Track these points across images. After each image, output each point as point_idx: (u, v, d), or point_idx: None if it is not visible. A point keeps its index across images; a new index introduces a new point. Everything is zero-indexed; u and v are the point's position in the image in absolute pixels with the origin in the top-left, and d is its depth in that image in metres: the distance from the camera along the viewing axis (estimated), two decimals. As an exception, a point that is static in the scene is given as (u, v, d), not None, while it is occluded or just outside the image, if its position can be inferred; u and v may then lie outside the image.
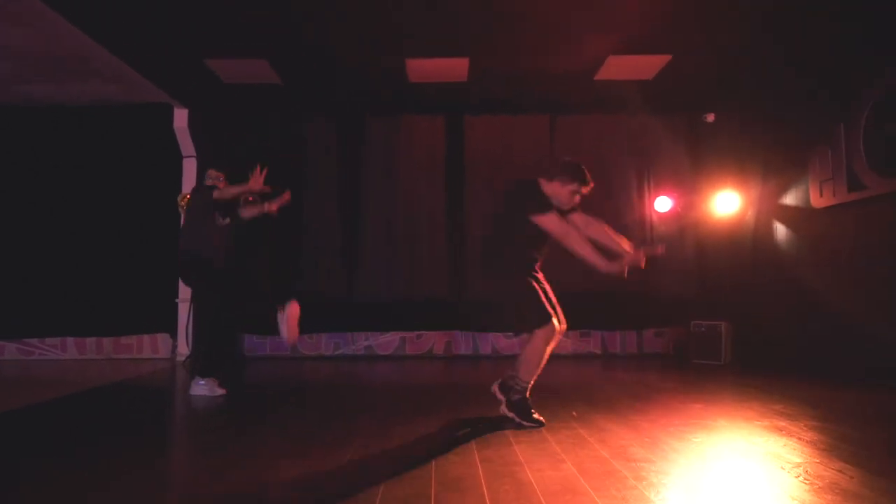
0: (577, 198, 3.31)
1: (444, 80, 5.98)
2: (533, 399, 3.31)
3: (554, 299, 3.35)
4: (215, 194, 4.31)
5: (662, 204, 6.92)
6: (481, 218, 6.63)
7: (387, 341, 7.07)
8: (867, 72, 4.54)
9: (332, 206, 7.03)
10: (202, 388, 4.30)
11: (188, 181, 6.93)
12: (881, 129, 4.37)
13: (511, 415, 3.23)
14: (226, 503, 2.14)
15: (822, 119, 4.99)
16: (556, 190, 3.27)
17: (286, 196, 4.54)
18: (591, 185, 3.31)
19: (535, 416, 3.22)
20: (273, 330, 6.86)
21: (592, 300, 6.68)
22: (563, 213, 3.29)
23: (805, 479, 2.25)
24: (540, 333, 3.16)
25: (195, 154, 6.91)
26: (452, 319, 6.99)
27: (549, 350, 3.24)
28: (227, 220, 4.50)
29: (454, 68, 5.69)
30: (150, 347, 6.96)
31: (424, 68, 5.64)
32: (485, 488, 2.18)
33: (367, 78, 5.99)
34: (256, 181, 4.19)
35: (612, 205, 6.88)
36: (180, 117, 6.74)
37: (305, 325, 6.87)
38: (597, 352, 7.04)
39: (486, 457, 2.61)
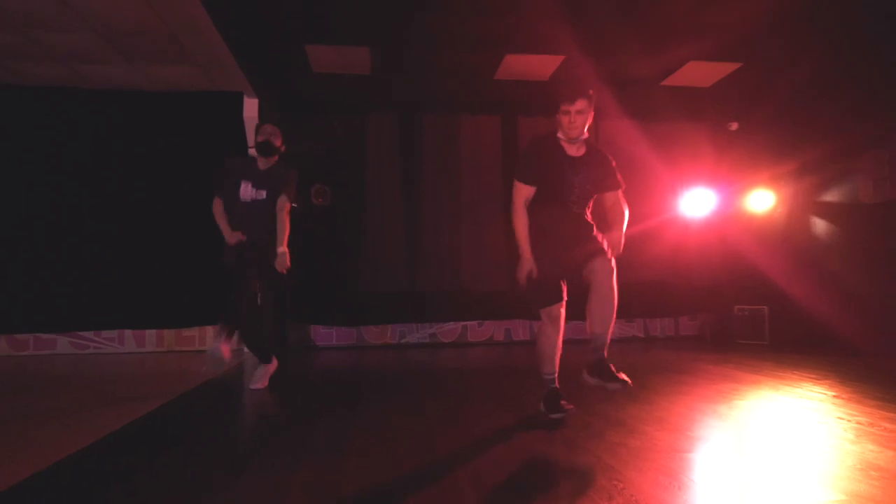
0: (576, 118, 3.01)
1: (526, 79, 6.39)
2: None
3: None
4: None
5: (692, 204, 7.61)
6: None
7: (449, 330, 7.34)
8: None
9: (394, 201, 7.28)
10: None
11: (253, 171, 6.90)
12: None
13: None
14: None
15: (874, 125, 5.79)
16: (557, 120, 3.11)
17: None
18: (576, 99, 3.01)
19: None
20: (336, 321, 7.20)
21: (634, 291, 7.39)
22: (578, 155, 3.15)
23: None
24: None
25: (260, 144, 6.89)
26: (511, 309, 7.33)
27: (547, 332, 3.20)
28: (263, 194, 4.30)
29: (546, 65, 6.08)
30: (214, 339, 6.84)
31: (519, 63, 6.01)
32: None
33: (457, 71, 6.26)
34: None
35: (645, 205, 7.54)
36: (251, 107, 6.70)
37: (369, 317, 7.24)
38: (640, 335, 7.66)
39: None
